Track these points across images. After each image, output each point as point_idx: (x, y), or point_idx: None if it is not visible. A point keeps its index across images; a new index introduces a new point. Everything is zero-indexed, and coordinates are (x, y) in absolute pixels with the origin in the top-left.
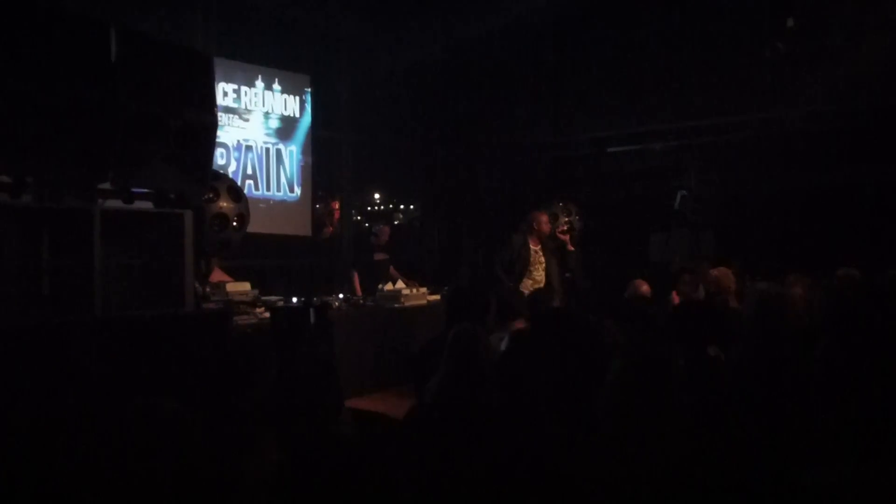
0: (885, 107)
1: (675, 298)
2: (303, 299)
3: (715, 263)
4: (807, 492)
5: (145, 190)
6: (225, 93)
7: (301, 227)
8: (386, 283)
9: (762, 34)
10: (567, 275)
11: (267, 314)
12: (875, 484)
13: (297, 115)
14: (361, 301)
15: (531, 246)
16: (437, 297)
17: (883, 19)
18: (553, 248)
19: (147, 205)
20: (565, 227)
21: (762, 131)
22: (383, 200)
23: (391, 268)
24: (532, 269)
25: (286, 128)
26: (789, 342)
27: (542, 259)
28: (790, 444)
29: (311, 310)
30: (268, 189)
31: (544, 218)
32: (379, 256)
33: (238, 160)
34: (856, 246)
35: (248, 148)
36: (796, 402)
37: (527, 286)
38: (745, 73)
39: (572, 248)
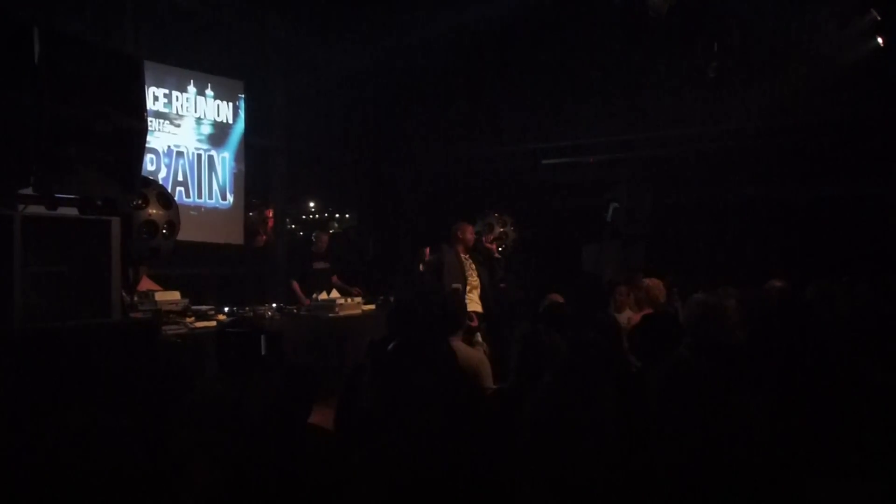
0: (811, 124)
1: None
2: (242, 314)
3: (646, 276)
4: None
5: (70, 195)
6: (156, 97)
7: (233, 235)
8: (326, 291)
9: (694, 53)
10: (502, 284)
11: (197, 324)
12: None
13: (231, 121)
14: (295, 311)
15: (460, 254)
16: (373, 306)
17: (806, 41)
18: (482, 259)
19: (72, 211)
20: (492, 237)
21: (693, 146)
22: (318, 209)
23: (334, 277)
24: (467, 274)
25: (219, 134)
26: (725, 352)
27: (473, 266)
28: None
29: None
30: (199, 196)
31: (469, 228)
32: (318, 265)
33: (169, 166)
34: (784, 259)
35: (180, 154)
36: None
37: (473, 295)
38: (677, 89)
39: (498, 256)
